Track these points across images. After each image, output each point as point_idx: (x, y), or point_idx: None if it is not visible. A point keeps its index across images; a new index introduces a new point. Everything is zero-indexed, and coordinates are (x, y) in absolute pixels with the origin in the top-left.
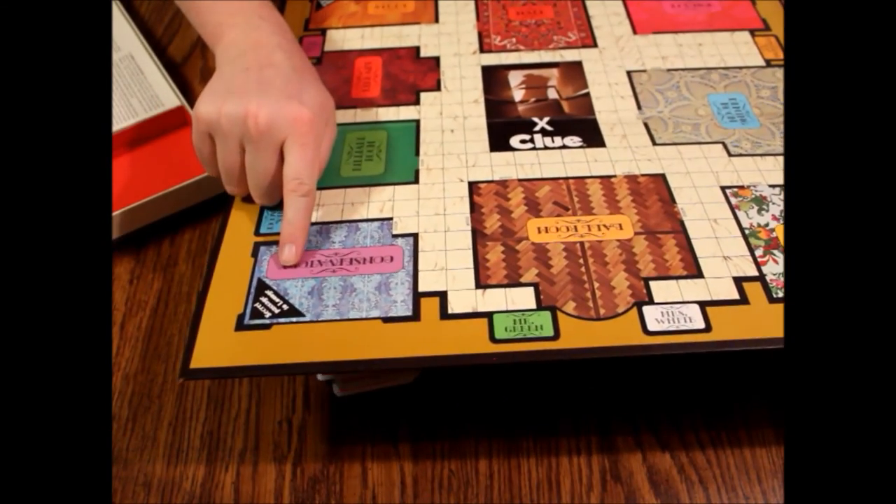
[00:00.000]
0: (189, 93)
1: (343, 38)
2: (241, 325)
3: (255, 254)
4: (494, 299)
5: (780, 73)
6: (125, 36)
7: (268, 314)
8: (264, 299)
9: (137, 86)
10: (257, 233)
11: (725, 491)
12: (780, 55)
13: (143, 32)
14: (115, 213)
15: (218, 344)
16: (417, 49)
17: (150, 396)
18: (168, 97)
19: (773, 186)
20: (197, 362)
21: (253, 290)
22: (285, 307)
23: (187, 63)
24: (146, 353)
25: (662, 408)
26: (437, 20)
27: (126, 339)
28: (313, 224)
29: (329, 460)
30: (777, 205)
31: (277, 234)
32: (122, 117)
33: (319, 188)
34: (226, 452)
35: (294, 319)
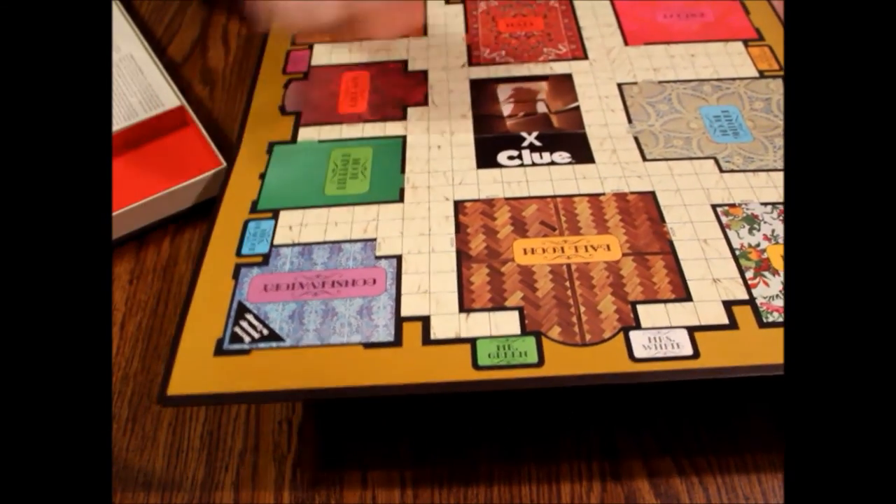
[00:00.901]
0: (189, 93)
1: (330, 52)
2: (220, 350)
3: (236, 275)
4: (478, 324)
5: (773, 85)
6: (125, 36)
7: (247, 339)
8: (244, 323)
9: (137, 86)
10: (239, 254)
11: (725, 491)
12: (774, 66)
13: (143, 32)
14: (115, 213)
15: (196, 370)
16: (406, 63)
17: (150, 396)
18: (168, 97)
19: (764, 204)
20: (174, 389)
21: (233, 313)
22: (265, 332)
23: (187, 63)
24: (146, 353)
25: (662, 408)
26: (425, 33)
27: (126, 339)
28: (296, 245)
29: (329, 461)
30: (769, 224)
31: (258, 255)
32: (122, 117)
33: (302, 208)
34: (226, 452)
35: (274, 344)
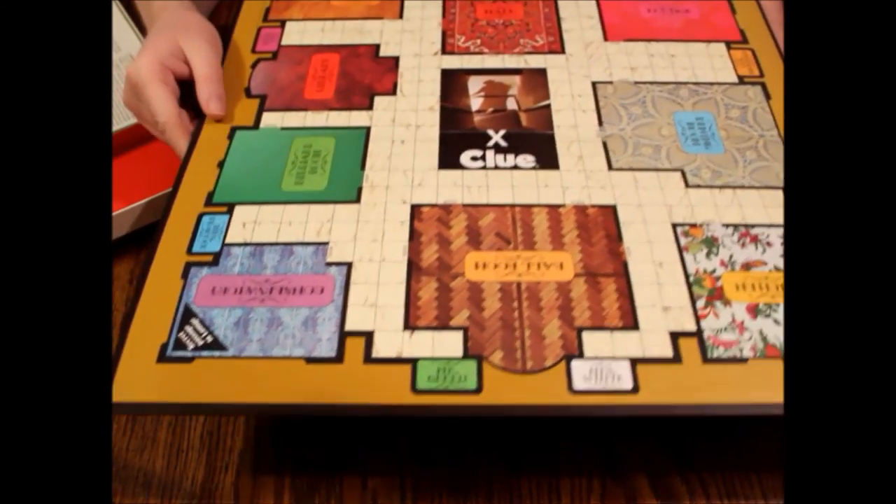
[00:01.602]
0: None
1: (303, 31)
2: (163, 357)
3: (185, 275)
4: (421, 343)
5: (751, 92)
6: (125, 36)
7: (191, 346)
8: (189, 329)
9: None
10: (190, 251)
11: (725, 491)
12: (755, 71)
13: (143, 32)
14: (115, 213)
15: (139, 377)
16: (377, 47)
17: None
18: None
19: (726, 226)
20: (118, 396)
21: (179, 317)
22: (209, 339)
23: None
24: None
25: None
26: (401, 16)
27: None
28: (247, 245)
29: (329, 461)
30: (727, 248)
31: (209, 254)
32: (122, 117)
33: (257, 203)
34: (226, 452)
35: (217, 353)
